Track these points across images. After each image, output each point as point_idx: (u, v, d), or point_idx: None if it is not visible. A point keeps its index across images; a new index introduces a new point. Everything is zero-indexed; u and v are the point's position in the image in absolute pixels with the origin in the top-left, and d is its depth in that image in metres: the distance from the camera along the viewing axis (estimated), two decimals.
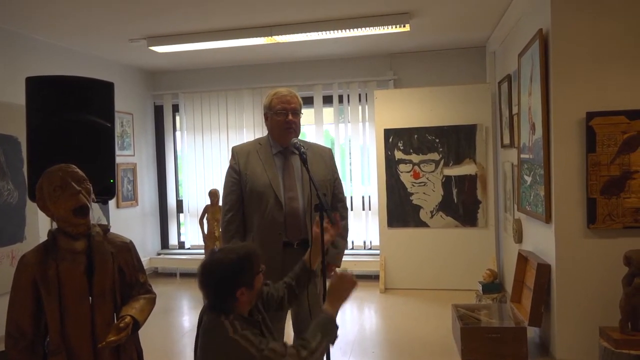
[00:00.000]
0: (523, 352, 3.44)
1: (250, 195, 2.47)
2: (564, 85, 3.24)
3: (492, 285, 4.77)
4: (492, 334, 3.49)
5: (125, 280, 1.73)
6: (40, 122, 2.44)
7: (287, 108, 2.48)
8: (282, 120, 2.48)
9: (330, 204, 2.58)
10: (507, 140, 4.74)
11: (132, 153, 6.14)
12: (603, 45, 3.19)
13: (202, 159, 6.43)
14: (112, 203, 5.69)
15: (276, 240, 2.42)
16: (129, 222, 6.02)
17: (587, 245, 3.24)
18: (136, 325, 1.65)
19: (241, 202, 2.50)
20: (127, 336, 1.61)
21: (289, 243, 2.45)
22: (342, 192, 2.73)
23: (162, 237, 6.76)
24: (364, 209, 6.03)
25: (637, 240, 3.12)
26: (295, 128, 2.51)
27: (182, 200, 6.61)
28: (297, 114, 2.51)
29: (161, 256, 6.55)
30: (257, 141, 2.63)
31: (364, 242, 6.07)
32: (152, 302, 1.76)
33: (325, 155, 2.68)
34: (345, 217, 2.71)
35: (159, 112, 6.68)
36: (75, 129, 2.46)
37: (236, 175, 2.51)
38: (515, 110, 4.30)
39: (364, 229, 6.05)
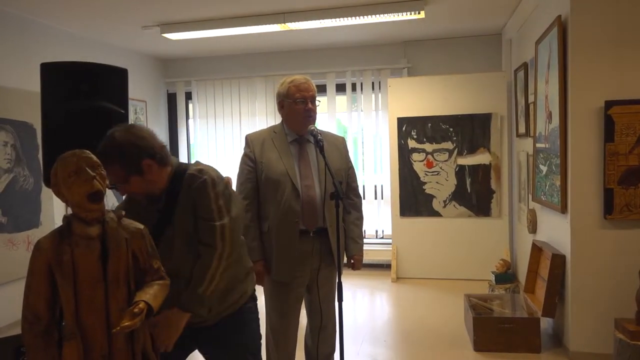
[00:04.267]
0: (536, 343, 3.42)
1: (265, 183, 2.45)
2: (582, 73, 3.18)
3: (505, 276, 4.74)
4: (505, 324, 3.47)
5: (139, 266, 1.72)
6: (55, 109, 2.45)
7: (307, 96, 2.46)
8: (301, 109, 2.45)
9: (344, 193, 2.57)
10: (522, 130, 4.68)
11: None
12: (623, 32, 3.12)
13: (215, 147, 6.44)
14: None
15: (293, 228, 2.41)
16: None
17: (603, 236, 3.20)
18: (150, 311, 1.66)
19: (256, 191, 2.49)
20: (141, 322, 1.62)
21: (305, 231, 2.44)
22: (355, 181, 2.71)
23: None
24: (376, 198, 6.01)
25: None
26: (313, 116, 2.49)
27: None
28: (314, 101, 2.50)
29: None
30: (272, 129, 2.60)
31: (376, 231, 6.06)
32: (165, 288, 1.75)
33: (339, 144, 2.66)
34: (357, 206, 2.69)
35: (172, 99, 6.70)
36: (89, 116, 2.47)
37: (251, 163, 2.49)
38: (531, 98, 4.23)
39: (376, 217, 6.03)
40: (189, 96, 6.61)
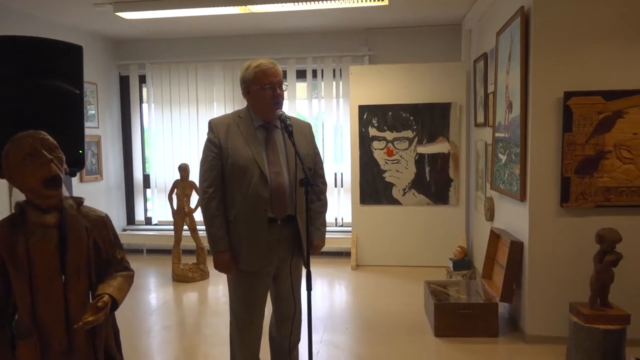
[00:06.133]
0: (494, 327, 3.51)
1: (231, 170, 2.36)
2: (543, 64, 3.24)
3: (462, 262, 4.84)
4: (465, 310, 3.54)
5: (101, 256, 1.61)
6: (3, 87, 2.26)
7: (274, 82, 2.37)
8: (270, 95, 2.36)
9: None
10: (481, 119, 4.76)
11: (96, 125, 5.89)
12: (583, 24, 3.20)
13: (171, 133, 6.23)
14: (75, 176, 5.46)
15: (261, 216, 2.34)
16: (93, 197, 5.80)
17: (559, 223, 3.30)
18: (114, 304, 1.56)
19: (222, 178, 2.39)
20: (105, 316, 1.52)
21: (273, 219, 2.37)
22: (322, 168, 2.66)
23: (127, 212, 6.56)
24: (336, 186, 6.00)
25: (608, 219, 3.19)
26: (281, 102, 2.42)
27: (149, 175, 6.41)
28: (282, 86, 2.42)
29: (127, 232, 6.36)
30: (237, 114, 2.51)
31: (336, 219, 6.05)
32: (130, 279, 1.66)
33: (306, 130, 2.60)
34: (324, 193, 2.65)
35: (124, 82, 6.41)
36: (40, 96, 2.29)
37: (216, 149, 2.39)
38: (490, 89, 4.30)
39: (336, 206, 6.02)
40: (142, 80, 6.35)
